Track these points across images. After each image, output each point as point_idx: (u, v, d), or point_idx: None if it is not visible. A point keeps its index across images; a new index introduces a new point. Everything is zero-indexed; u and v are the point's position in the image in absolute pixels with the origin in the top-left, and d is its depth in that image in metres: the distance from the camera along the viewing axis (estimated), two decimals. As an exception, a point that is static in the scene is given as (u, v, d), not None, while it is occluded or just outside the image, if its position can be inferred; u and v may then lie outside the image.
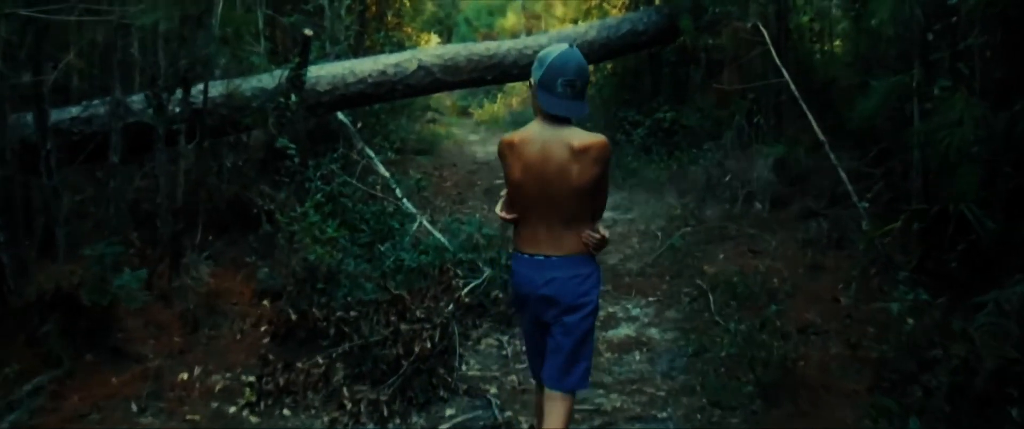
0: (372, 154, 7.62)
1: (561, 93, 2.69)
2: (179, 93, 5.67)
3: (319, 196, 6.72)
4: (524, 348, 3.18)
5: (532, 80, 2.79)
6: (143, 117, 5.65)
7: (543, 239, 2.82)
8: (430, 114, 13.17)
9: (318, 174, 6.89)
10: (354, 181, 7.05)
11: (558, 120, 2.74)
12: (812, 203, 7.12)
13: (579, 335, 2.83)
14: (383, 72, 7.63)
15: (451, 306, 4.64)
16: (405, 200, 6.94)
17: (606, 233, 2.90)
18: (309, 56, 6.88)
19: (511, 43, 8.77)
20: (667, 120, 9.86)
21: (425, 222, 6.60)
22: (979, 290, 4.12)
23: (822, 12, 8.38)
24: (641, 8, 10.71)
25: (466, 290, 4.96)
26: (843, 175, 5.55)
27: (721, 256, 6.33)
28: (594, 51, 9.33)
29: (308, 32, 6.66)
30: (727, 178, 8.11)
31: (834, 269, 5.66)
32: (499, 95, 17.65)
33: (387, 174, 7.32)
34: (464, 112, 19.68)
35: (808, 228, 6.69)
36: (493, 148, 13.11)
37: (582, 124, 2.86)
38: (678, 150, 9.29)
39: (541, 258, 2.82)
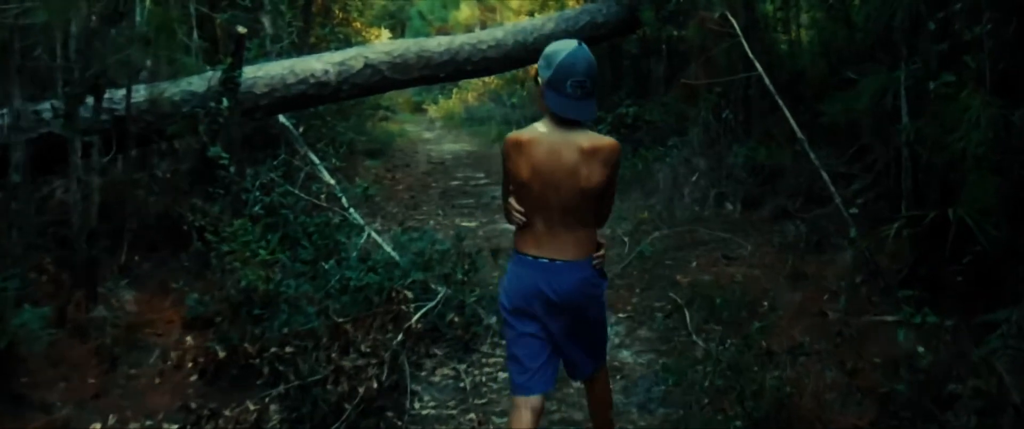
0: (316, 160, 7.06)
1: (571, 94, 2.61)
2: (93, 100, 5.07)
3: (257, 208, 6.18)
4: (514, 359, 2.84)
5: (539, 79, 2.70)
6: (54, 127, 5.06)
7: (548, 241, 2.74)
8: (381, 112, 12.57)
9: (256, 184, 6.34)
10: (296, 190, 6.49)
11: (567, 121, 2.66)
12: (786, 203, 6.74)
13: (601, 327, 2.91)
14: (326, 71, 7.06)
15: (400, 337, 4.13)
16: (352, 210, 6.40)
17: (604, 243, 2.91)
18: (244, 56, 6.30)
19: (464, 38, 8.26)
20: (630, 116, 9.43)
21: (374, 234, 6.07)
22: (984, 306, 3.74)
23: (787, 0, 8.00)
24: (600, -1, 10.27)
25: (417, 316, 4.45)
26: (825, 176, 5.15)
27: (694, 263, 5.90)
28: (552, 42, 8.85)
29: (241, 29, 6.09)
30: (695, 177, 7.71)
31: (817, 277, 5.26)
32: (454, 91, 17.12)
33: (332, 182, 6.77)
34: (419, 109, 19.13)
35: (784, 231, 6.30)
36: (449, 146, 12.59)
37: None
38: (642, 148, 8.86)
39: (546, 261, 2.73)
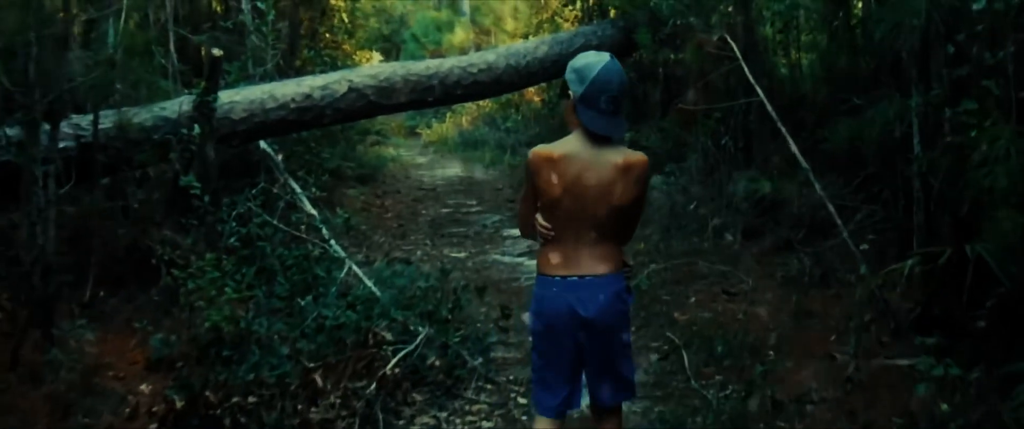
0: (297, 188, 6.75)
1: (605, 110, 2.57)
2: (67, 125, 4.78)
3: (232, 240, 5.88)
4: (542, 382, 2.82)
5: (570, 93, 2.64)
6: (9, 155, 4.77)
7: (576, 259, 2.69)
8: (372, 137, 12.30)
9: (233, 214, 6.04)
10: (275, 221, 6.18)
11: (600, 137, 2.60)
12: (788, 234, 6.43)
13: (627, 349, 2.79)
14: (309, 95, 6.79)
15: (374, 386, 3.80)
16: (333, 242, 6.09)
17: (631, 261, 2.87)
18: (220, 79, 6.02)
19: (454, 61, 8.00)
20: (626, 141, 9.13)
21: (355, 267, 5.75)
22: (1008, 352, 3.43)
23: (787, 22, 7.74)
24: (595, 22, 10.03)
25: (394, 362, 4.13)
26: (831, 208, 4.85)
27: (692, 299, 5.59)
28: (545, 69, 8.62)
29: (217, 52, 5.80)
30: (693, 206, 7.41)
31: (823, 315, 4.95)
32: (449, 115, 16.85)
33: (313, 211, 6.46)
34: (412, 133, 18.85)
35: (787, 264, 5.99)
36: (441, 172, 12.31)
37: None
38: (638, 174, 8.57)
39: (575, 279, 2.68)
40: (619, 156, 2.61)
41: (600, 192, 2.59)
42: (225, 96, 6.37)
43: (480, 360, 4.65)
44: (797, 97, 6.88)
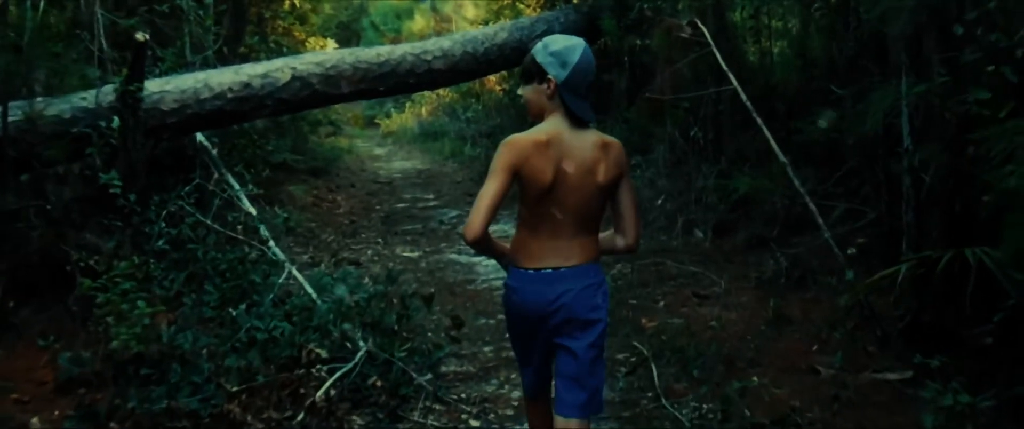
0: (235, 185, 6.23)
1: (583, 94, 2.52)
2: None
3: (160, 243, 5.39)
4: (520, 366, 2.83)
5: (550, 77, 2.50)
6: None
7: (552, 250, 2.56)
8: (325, 128, 11.77)
9: (163, 214, 5.54)
10: (209, 221, 5.68)
11: (578, 121, 2.53)
12: (762, 231, 6.08)
13: (594, 354, 2.58)
14: (247, 84, 6.27)
15: (302, 415, 3.35)
16: (272, 243, 5.59)
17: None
18: (145, 66, 5.49)
19: (407, 47, 7.49)
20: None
21: (295, 272, 5.27)
22: (1013, 370, 3.07)
23: (758, 8, 7.37)
24: (558, 7, 9.59)
25: (328, 384, 3.67)
26: (812, 205, 4.48)
27: (661, 303, 5.19)
28: (505, 56, 8.15)
29: (141, 36, 5.27)
30: (661, 201, 7.02)
31: (802, 321, 4.58)
32: (408, 104, 16.34)
33: (252, 210, 5.95)
34: (371, 123, 18.32)
35: (761, 263, 5.64)
36: (399, 164, 11.74)
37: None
38: (603, 167, 8.18)
39: (549, 271, 2.55)
40: (597, 137, 2.55)
41: (586, 174, 2.50)
42: (154, 85, 5.85)
43: (429, 376, 4.21)
44: (769, 86, 6.50)
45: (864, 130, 4.04)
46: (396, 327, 4.45)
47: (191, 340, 4.35)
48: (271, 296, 4.98)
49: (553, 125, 2.51)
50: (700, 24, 5.56)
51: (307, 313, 4.60)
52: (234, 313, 4.67)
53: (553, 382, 2.72)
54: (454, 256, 6.76)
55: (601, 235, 2.65)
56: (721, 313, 4.83)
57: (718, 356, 4.15)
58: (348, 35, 21.00)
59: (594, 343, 2.56)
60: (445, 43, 7.85)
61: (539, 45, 2.57)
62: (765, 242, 5.91)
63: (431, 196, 9.61)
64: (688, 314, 4.94)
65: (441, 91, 14.21)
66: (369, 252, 6.93)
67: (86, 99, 5.54)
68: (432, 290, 4.80)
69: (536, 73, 2.54)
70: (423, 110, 15.93)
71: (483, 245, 2.52)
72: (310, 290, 4.99)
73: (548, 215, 2.53)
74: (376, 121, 17.79)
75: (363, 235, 7.63)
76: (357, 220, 8.30)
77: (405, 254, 6.86)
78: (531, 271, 2.56)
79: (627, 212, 2.60)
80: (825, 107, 5.77)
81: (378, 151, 14.62)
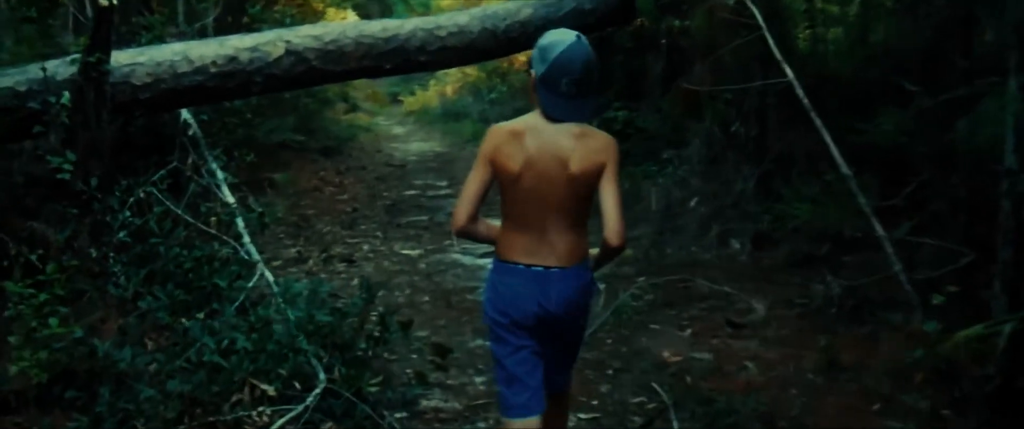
0: (218, 170, 5.56)
1: (565, 92, 2.42)
2: None
3: (122, 235, 4.76)
4: (511, 379, 2.57)
5: (532, 72, 2.48)
6: None
7: (540, 246, 2.49)
8: (338, 104, 11.12)
9: (130, 201, 4.92)
10: (180, 210, 5.03)
11: (555, 121, 2.45)
12: (807, 246, 5.30)
13: (577, 344, 2.71)
14: (233, 58, 5.56)
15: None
16: (246, 239, 4.92)
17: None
18: (110, 35, 4.82)
19: (417, 22, 6.74)
20: (619, 121, 7.95)
21: (267, 274, 4.60)
22: None
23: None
24: (590, -18, 8.79)
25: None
26: (881, 232, 3.69)
27: (688, 331, 4.45)
28: (528, 34, 7.31)
29: (104, 0, 4.60)
30: (693, 203, 6.25)
31: (859, 368, 3.81)
32: (431, 82, 15.62)
33: (231, 200, 5.27)
34: (395, 100, 17.66)
35: (807, 286, 4.86)
36: (417, 145, 11.00)
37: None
38: (631, 161, 7.41)
39: (540, 270, 2.48)
40: (577, 128, 2.45)
41: (559, 167, 2.44)
42: (125, 57, 5.19)
43: (403, 415, 3.52)
44: (823, 77, 5.68)
45: (974, 144, 3.23)
46: (370, 352, 3.76)
47: (130, 357, 3.73)
48: (236, 303, 4.34)
49: (533, 117, 2.48)
50: (750, 3, 4.76)
51: (269, 330, 3.95)
52: (186, 324, 4.03)
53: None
54: (458, 256, 6.06)
55: (594, 251, 2.58)
56: (758, 350, 4.08)
57: (754, 412, 3.40)
58: (378, 9, 20.27)
59: (581, 334, 2.67)
60: (461, 18, 7.09)
61: (541, 37, 2.52)
62: (812, 260, 5.14)
63: (444, 183, 8.91)
64: (719, 348, 4.19)
65: (467, 69, 13.49)
66: (365, 247, 6.25)
67: (48, 70, 4.90)
68: (411, 317, 4.06)
69: (530, 64, 2.51)
70: (448, 89, 15.21)
71: (469, 235, 2.55)
72: (280, 299, 4.32)
73: (525, 209, 2.48)
74: (400, 98, 17.12)
75: (362, 226, 6.95)
76: (359, 208, 7.63)
77: (404, 251, 6.17)
78: (521, 266, 2.49)
79: (607, 207, 2.45)
80: (891, 105, 4.99)
81: (397, 130, 13.95)
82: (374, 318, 3.97)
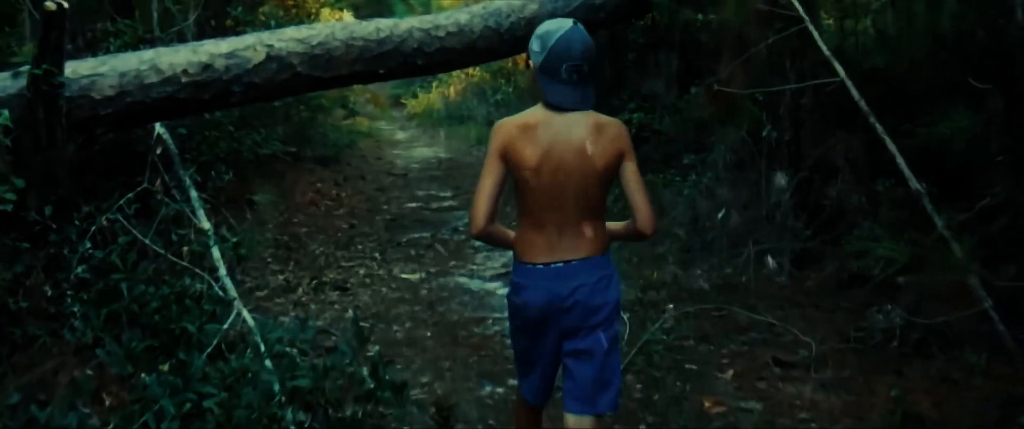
0: (194, 191, 4.99)
1: (566, 79, 2.38)
2: None
3: (81, 270, 4.24)
4: (519, 369, 2.64)
5: (531, 63, 2.47)
6: None
7: (560, 242, 2.45)
8: (335, 110, 10.54)
9: (92, 229, 4.42)
10: (148, 239, 4.49)
11: (561, 109, 2.41)
12: (856, 264, 4.70)
13: (608, 345, 2.48)
14: (208, 66, 4.99)
15: None
16: (223, 271, 4.35)
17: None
18: (62, 43, 4.26)
19: (414, 21, 6.17)
20: (634, 123, 7.35)
21: (246, 315, 4.03)
22: None
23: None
24: (599, -25, 8.20)
25: None
26: (963, 257, 3.10)
27: (730, 372, 3.85)
28: (534, 29, 6.78)
29: (51, 5, 4.03)
30: (721, 215, 5.65)
31: (938, 421, 3.21)
32: (434, 83, 15.04)
33: (206, 226, 4.70)
34: (397, 103, 17.09)
35: (860, 312, 4.27)
36: (420, 151, 10.34)
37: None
38: (648, 167, 6.82)
39: (560, 265, 2.44)
40: (590, 118, 2.42)
41: (576, 156, 2.39)
42: (85, 67, 4.64)
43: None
44: (869, 73, 5.08)
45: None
46: (360, 414, 3.19)
47: (76, 424, 3.19)
48: (207, 350, 3.78)
49: (540, 108, 2.44)
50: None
51: (245, 384, 3.39)
52: (146, 380, 3.47)
53: (564, 384, 2.52)
54: (464, 280, 5.48)
55: (614, 224, 2.56)
56: (815, 397, 3.49)
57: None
58: (377, 10, 19.69)
59: (608, 333, 2.48)
60: (462, 16, 6.50)
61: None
62: (862, 282, 4.55)
63: (448, 193, 8.34)
64: (768, 394, 3.60)
65: (471, 70, 12.91)
66: (361, 272, 5.66)
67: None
68: (402, 383, 3.48)
69: (528, 56, 2.50)
70: (451, 90, 14.62)
71: (489, 238, 2.49)
72: (259, 341, 3.76)
73: (544, 203, 2.43)
74: (402, 101, 16.55)
75: (359, 246, 6.37)
76: (357, 224, 7.05)
77: (404, 276, 5.59)
78: (540, 266, 2.46)
79: (635, 195, 2.46)
80: (947, 104, 4.40)
81: (400, 135, 13.37)
82: (368, 363, 3.41)
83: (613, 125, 2.45)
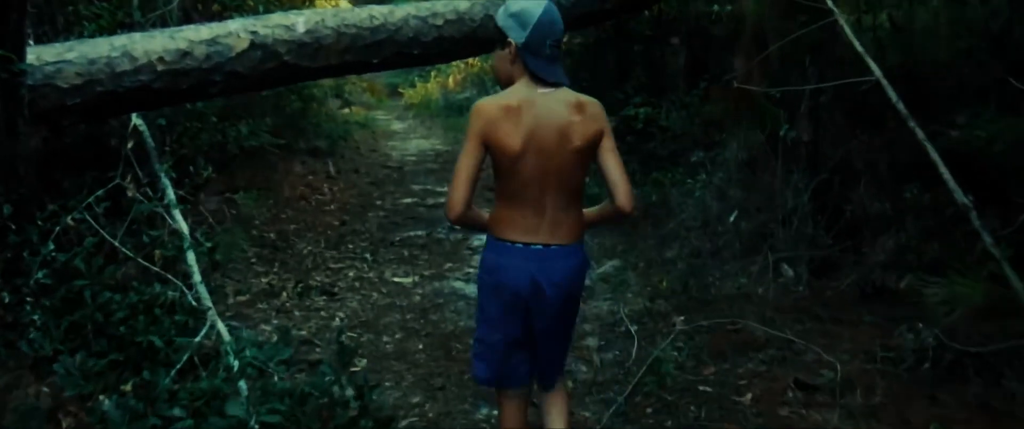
0: (171, 190, 4.64)
1: (549, 55, 2.40)
2: None
3: (42, 275, 3.92)
4: (487, 358, 2.55)
5: (511, 41, 2.41)
6: None
7: (539, 224, 2.43)
8: (329, 99, 10.20)
9: (57, 230, 4.11)
10: (117, 241, 4.16)
11: (546, 83, 2.41)
12: (880, 275, 4.39)
13: (573, 324, 2.66)
14: (186, 53, 4.62)
15: None
16: (197, 276, 4.01)
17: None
18: (23, 28, 3.91)
19: (410, 9, 5.80)
20: (640, 119, 7.00)
21: (220, 326, 3.69)
22: None
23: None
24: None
25: None
26: (1007, 269, 2.77)
27: (748, 396, 3.52)
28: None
29: (9, -15, 3.68)
30: (733, 218, 5.32)
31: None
32: (433, 72, 14.68)
33: (183, 226, 4.36)
34: (395, 92, 16.72)
35: (887, 328, 3.94)
36: (417, 143, 9.88)
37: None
38: (654, 164, 6.50)
39: (539, 248, 2.43)
40: (570, 96, 2.42)
41: (559, 137, 2.37)
42: (50, 53, 4.29)
43: None
44: (885, 72, 4.74)
45: None
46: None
47: (24, 454, 2.87)
48: (177, 366, 3.46)
49: (521, 89, 2.41)
50: (817, -17, 3.83)
51: (214, 407, 3.07)
52: (105, 404, 3.15)
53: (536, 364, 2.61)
54: (459, 284, 5.15)
55: (591, 210, 2.55)
56: (843, 427, 3.17)
57: None
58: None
59: (574, 315, 2.61)
60: (461, 4, 6.13)
61: (501, 8, 2.49)
62: (887, 294, 4.23)
63: (444, 188, 7.98)
64: (791, 422, 3.28)
65: (471, 59, 12.56)
66: (351, 274, 5.34)
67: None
68: (392, 416, 3.16)
69: (498, 38, 2.47)
70: (450, 80, 14.27)
71: (467, 222, 2.45)
72: (232, 358, 3.43)
73: (525, 183, 2.39)
74: (400, 90, 16.20)
75: (350, 245, 6.04)
76: (348, 221, 6.72)
77: (396, 279, 5.26)
78: (519, 245, 2.43)
79: (614, 171, 2.43)
80: (979, 105, 4.10)
81: (397, 126, 13.03)
82: (353, 384, 3.09)
83: (593, 105, 2.44)
